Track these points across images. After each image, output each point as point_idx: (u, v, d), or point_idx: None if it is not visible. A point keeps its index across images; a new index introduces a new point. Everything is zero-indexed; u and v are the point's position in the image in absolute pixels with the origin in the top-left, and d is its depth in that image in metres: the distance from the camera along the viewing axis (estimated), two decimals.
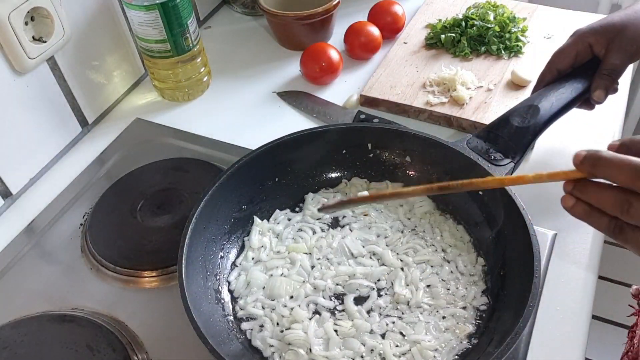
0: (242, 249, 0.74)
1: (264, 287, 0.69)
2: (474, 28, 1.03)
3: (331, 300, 0.68)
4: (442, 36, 1.04)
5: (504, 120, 0.72)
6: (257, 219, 0.76)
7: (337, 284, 0.69)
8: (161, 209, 0.80)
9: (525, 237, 0.62)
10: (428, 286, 0.68)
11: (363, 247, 0.73)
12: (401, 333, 0.64)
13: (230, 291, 0.70)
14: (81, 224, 0.80)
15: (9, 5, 0.74)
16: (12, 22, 0.75)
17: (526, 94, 0.91)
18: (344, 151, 0.80)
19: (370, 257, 0.72)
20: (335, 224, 0.77)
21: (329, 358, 0.62)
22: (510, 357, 0.62)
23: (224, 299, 0.68)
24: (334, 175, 0.81)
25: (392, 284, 0.69)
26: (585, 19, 1.07)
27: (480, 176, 0.67)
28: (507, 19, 1.04)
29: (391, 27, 1.09)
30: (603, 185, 0.45)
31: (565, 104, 0.72)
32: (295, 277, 0.70)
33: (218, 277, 0.70)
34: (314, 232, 0.75)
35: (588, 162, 0.45)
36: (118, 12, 0.95)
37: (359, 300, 0.68)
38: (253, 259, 0.73)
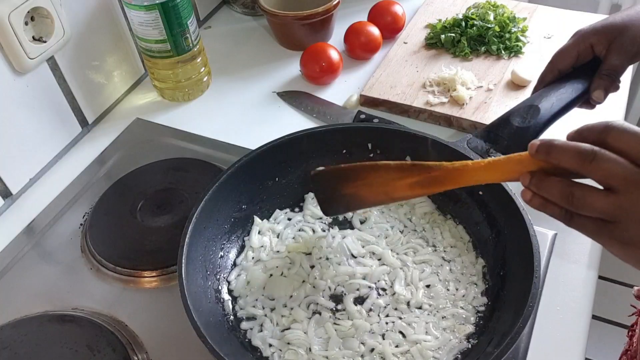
0: (242, 248, 0.74)
1: (264, 287, 0.69)
2: (474, 28, 1.03)
3: (331, 300, 0.68)
4: (442, 36, 1.04)
5: (504, 121, 0.72)
6: (257, 219, 0.76)
7: (337, 284, 0.69)
8: (161, 209, 0.80)
9: (525, 237, 0.62)
10: (428, 286, 0.68)
11: (363, 247, 0.72)
12: (401, 333, 0.64)
13: (230, 291, 0.70)
14: (81, 224, 0.80)
15: (9, 5, 0.74)
16: (12, 22, 0.75)
17: (526, 94, 0.91)
18: (344, 151, 0.80)
19: (370, 257, 0.72)
20: (335, 223, 0.77)
21: (329, 358, 0.62)
22: (510, 357, 0.62)
23: (223, 299, 0.68)
24: None
25: (391, 283, 0.69)
26: (585, 19, 1.07)
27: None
28: (507, 19, 1.04)
29: (391, 27, 1.09)
30: (552, 179, 0.49)
31: (566, 104, 0.72)
32: (295, 276, 0.70)
33: (218, 277, 0.70)
34: (314, 232, 0.75)
35: (542, 150, 0.49)
36: (118, 12, 0.95)
37: (359, 300, 0.68)
38: (253, 258, 0.73)
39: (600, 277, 0.72)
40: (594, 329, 0.74)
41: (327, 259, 0.72)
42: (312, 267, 0.71)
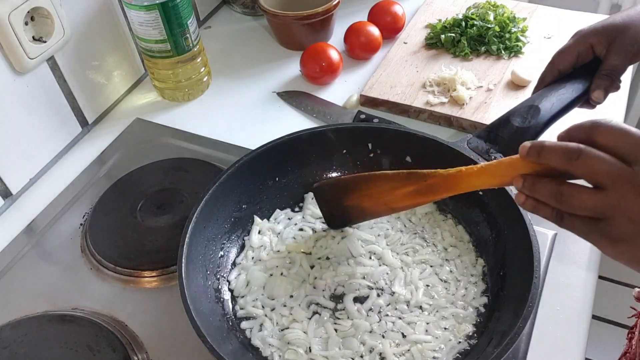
0: (242, 248, 0.74)
1: (263, 287, 0.69)
2: (474, 28, 1.03)
3: (331, 299, 0.68)
4: (442, 36, 1.04)
5: (504, 121, 0.72)
6: (257, 219, 0.76)
7: (337, 284, 0.69)
8: (161, 209, 0.80)
9: (525, 237, 0.62)
10: (428, 286, 0.68)
11: (363, 247, 0.72)
12: (401, 333, 0.64)
13: (230, 290, 0.70)
14: (81, 224, 0.80)
15: (9, 5, 0.74)
16: (12, 22, 0.75)
17: (526, 94, 0.91)
18: (344, 151, 0.80)
19: (370, 257, 0.72)
20: None
21: (329, 357, 0.62)
22: (510, 357, 0.62)
23: (223, 298, 0.68)
24: (334, 175, 0.81)
25: (391, 283, 0.69)
26: (585, 19, 1.07)
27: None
28: (507, 19, 1.04)
29: (391, 27, 1.09)
30: (543, 180, 0.49)
31: (566, 104, 0.72)
32: (295, 276, 0.70)
33: (218, 277, 0.70)
34: (314, 232, 0.75)
35: (533, 152, 0.49)
36: (118, 12, 0.95)
37: (359, 300, 0.68)
38: (253, 258, 0.73)
39: (600, 277, 0.72)
40: (594, 329, 0.74)
41: (327, 258, 0.72)
42: (312, 267, 0.71)
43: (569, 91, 0.73)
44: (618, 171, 0.45)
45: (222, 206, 0.72)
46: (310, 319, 0.65)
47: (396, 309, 0.66)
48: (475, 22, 1.04)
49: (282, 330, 0.65)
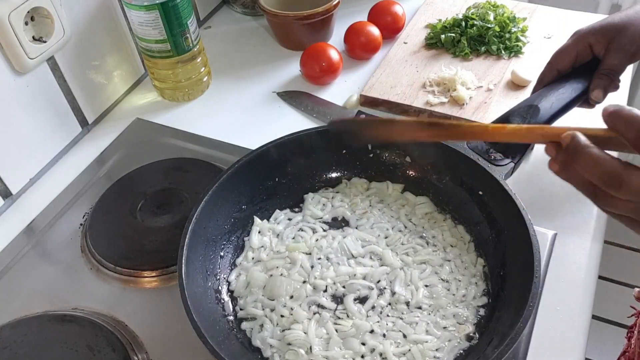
0: (242, 249, 0.74)
1: (264, 287, 0.69)
2: (474, 28, 1.03)
3: (331, 300, 0.68)
4: (442, 36, 1.04)
5: (503, 121, 0.72)
6: (257, 219, 0.76)
7: (338, 284, 0.69)
8: (161, 209, 0.80)
9: (525, 237, 0.62)
10: (428, 286, 0.68)
11: (363, 247, 0.72)
12: (402, 333, 0.64)
13: (230, 291, 0.70)
14: (81, 224, 0.80)
15: (9, 5, 0.74)
16: (12, 22, 0.75)
17: (526, 94, 0.91)
18: (344, 151, 0.80)
19: (370, 257, 0.72)
20: (335, 224, 0.77)
21: (329, 358, 0.62)
22: (510, 357, 0.62)
23: (224, 299, 0.68)
24: (334, 175, 0.81)
25: (392, 284, 0.69)
26: (585, 19, 1.07)
27: (481, 177, 0.68)
28: (507, 19, 1.04)
29: (391, 27, 1.09)
30: (598, 156, 0.46)
31: (565, 104, 0.72)
32: (295, 277, 0.70)
33: (218, 277, 0.70)
34: (314, 232, 0.75)
35: (614, 115, 0.46)
36: (118, 12, 0.95)
37: (359, 300, 0.68)
38: (253, 259, 0.73)
39: (600, 277, 0.72)
40: (594, 329, 0.74)
41: (328, 259, 0.72)
42: (312, 267, 0.71)
43: (568, 91, 0.73)
44: None
45: (222, 207, 0.72)
46: (310, 319, 0.65)
47: (396, 309, 0.66)
48: (475, 22, 1.04)
49: (282, 330, 0.65)
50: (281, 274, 0.70)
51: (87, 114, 0.95)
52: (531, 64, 0.98)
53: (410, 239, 0.73)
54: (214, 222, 0.71)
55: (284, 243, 0.74)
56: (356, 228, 0.75)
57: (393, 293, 0.68)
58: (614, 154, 0.47)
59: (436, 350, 0.62)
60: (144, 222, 0.79)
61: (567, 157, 0.47)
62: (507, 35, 1.02)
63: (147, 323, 0.69)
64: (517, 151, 0.70)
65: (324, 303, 0.67)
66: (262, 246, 0.74)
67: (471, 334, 0.64)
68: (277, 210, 0.78)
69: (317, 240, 0.74)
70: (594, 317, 0.66)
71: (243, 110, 0.99)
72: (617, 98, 0.91)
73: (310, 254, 0.72)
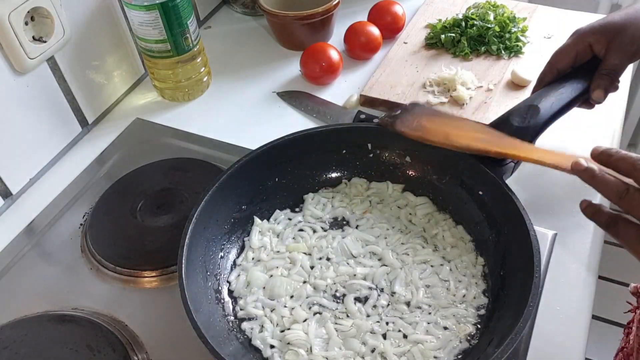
0: (242, 249, 0.74)
1: (264, 287, 0.69)
2: (474, 28, 1.03)
3: (331, 300, 0.68)
4: (442, 36, 1.04)
5: (503, 120, 0.72)
6: (257, 219, 0.76)
7: (338, 284, 0.69)
8: (161, 209, 0.80)
9: (525, 237, 0.62)
10: (428, 286, 0.68)
11: (363, 247, 0.72)
12: (402, 333, 0.64)
13: (231, 291, 0.70)
14: (81, 224, 0.80)
15: (9, 5, 0.74)
16: (12, 22, 0.75)
17: (526, 94, 0.91)
18: (344, 151, 0.80)
19: (370, 258, 0.72)
20: (335, 224, 0.77)
21: (329, 358, 0.62)
22: (510, 357, 0.61)
23: (224, 299, 0.68)
24: (334, 175, 0.81)
25: (392, 284, 0.68)
26: (585, 19, 1.07)
27: (481, 177, 0.68)
28: (507, 19, 1.04)
29: (391, 27, 1.09)
30: (609, 175, 0.54)
31: (565, 103, 0.72)
32: (295, 277, 0.70)
33: (218, 277, 0.70)
34: (315, 232, 0.75)
35: (605, 154, 0.55)
36: (118, 12, 0.95)
37: (360, 300, 0.67)
38: (253, 259, 0.73)
39: (600, 277, 0.72)
40: (594, 329, 0.74)
41: (328, 259, 0.72)
42: (312, 267, 0.71)
43: (568, 91, 0.73)
44: None
45: (221, 207, 0.72)
46: (311, 319, 0.65)
47: (396, 309, 0.66)
48: (475, 22, 1.04)
49: (282, 331, 0.65)
50: (281, 274, 0.70)
51: (87, 114, 0.95)
52: (531, 64, 0.98)
53: (410, 239, 0.73)
54: (214, 222, 0.71)
55: (284, 243, 0.74)
56: (356, 228, 0.75)
57: (393, 293, 0.67)
58: None
59: (436, 350, 0.62)
60: (144, 222, 0.79)
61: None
62: (507, 35, 1.02)
63: (147, 323, 0.69)
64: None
65: (324, 303, 0.67)
66: (262, 246, 0.74)
67: (471, 334, 0.64)
68: (277, 211, 0.78)
69: (317, 240, 0.74)
70: (594, 317, 0.66)
71: (243, 110, 0.99)
72: (618, 98, 0.91)
73: (310, 254, 0.72)
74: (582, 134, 0.88)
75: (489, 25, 1.02)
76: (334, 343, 0.63)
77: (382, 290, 0.68)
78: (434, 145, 0.74)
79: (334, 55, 1.00)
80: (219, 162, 0.86)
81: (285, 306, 0.67)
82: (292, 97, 1.00)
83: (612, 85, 0.73)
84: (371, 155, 0.80)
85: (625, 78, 0.97)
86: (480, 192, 0.72)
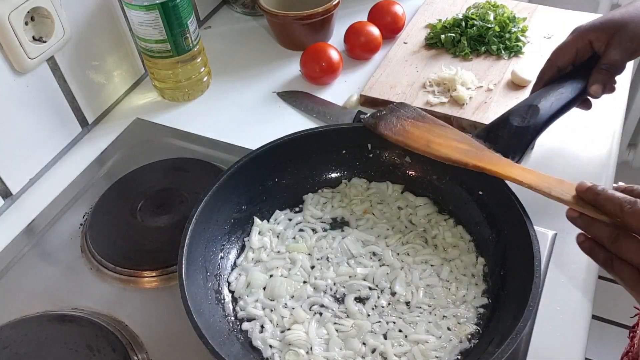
0: (242, 249, 0.74)
1: (264, 288, 0.69)
2: (474, 28, 1.03)
3: (332, 300, 0.68)
4: (442, 36, 1.04)
5: (503, 120, 0.72)
6: (257, 220, 0.76)
7: (338, 284, 0.69)
8: (161, 209, 0.80)
9: (525, 237, 0.62)
10: (428, 286, 0.68)
11: (363, 247, 0.72)
12: (402, 333, 0.64)
13: (231, 292, 0.70)
14: (81, 224, 0.80)
15: (9, 5, 0.74)
16: (12, 22, 0.75)
17: (526, 94, 0.91)
18: (344, 151, 0.80)
19: (371, 258, 0.72)
20: (335, 224, 0.77)
21: (330, 358, 0.62)
22: (511, 357, 0.61)
23: (224, 300, 0.68)
24: (333, 175, 0.81)
25: (392, 284, 0.68)
26: (585, 19, 1.06)
27: (481, 177, 0.68)
28: (507, 19, 1.04)
29: (391, 27, 1.09)
30: (600, 222, 0.55)
31: (565, 103, 0.72)
32: (295, 277, 0.70)
33: (218, 278, 0.70)
34: (315, 232, 0.75)
35: (590, 192, 0.55)
36: (118, 12, 0.95)
37: (360, 301, 0.67)
38: (253, 259, 0.72)
39: (600, 277, 0.72)
40: (594, 329, 0.74)
41: (328, 259, 0.72)
42: (313, 267, 0.71)
43: (568, 90, 0.73)
44: None
45: (221, 207, 0.72)
46: (311, 320, 0.65)
47: (397, 309, 0.66)
48: (475, 22, 1.04)
49: (282, 331, 0.65)
50: (281, 275, 0.70)
51: (87, 114, 0.95)
52: (531, 64, 0.98)
53: (411, 239, 0.73)
54: (214, 223, 0.71)
55: (284, 243, 0.74)
56: (356, 228, 0.75)
57: (393, 293, 0.67)
58: None
59: (437, 350, 0.62)
60: (144, 222, 0.79)
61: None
62: (507, 35, 1.02)
63: (147, 323, 0.69)
64: (517, 151, 0.70)
65: (325, 303, 0.67)
66: (262, 246, 0.74)
67: (471, 334, 0.64)
68: (277, 211, 0.78)
69: (317, 240, 0.74)
70: (594, 317, 0.66)
71: (243, 110, 0.99)
72: (618, 98, 0.91)
73: (310, 254, 0.72)
74: (582, 134, 0.88)
75: (489, 25, 1.02)
76: (334, 343, 0.63)
77: (382, 290, 0.68)
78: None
79: (334, 55, 1.00)
80: (219, 162, 0.86)
81: (285, 306, 0.67)
82: (292, 97, 1.00)
83: (611, 81, 0.73)
84: (371, 155, 0.80)
85: (625, 78, 0.97)
86: (480, 192, 0.72)
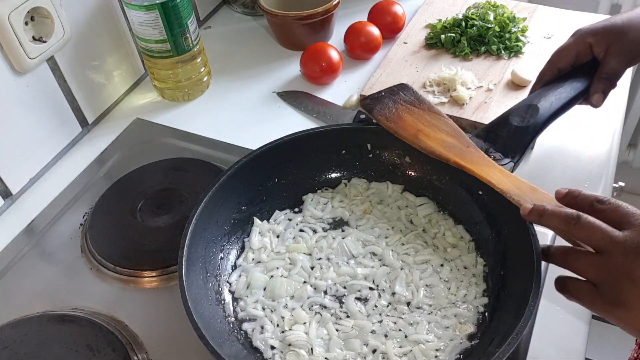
0: (242, 250, 0.74)
1: (264, 288, 0.69)
2: (474, 28, 1.03)
3: (332, 300, 0.68)
4: (442, 36, 1.04)
5: (503, 120, 0.72)
6: (257, 220, 0.75)
7: (338, 285, 0.69)
8: (161, 209, 0.80)
9: (525, 236, 0.62)
10: (428, 286, 0.68)
11: (363, 247, 0.72)
12: (403, 333, 0.64)
13: (231, 292, 0.70)
14: (81, 224, 0.80)
15: (9, 5, 0.74)
16: (12, 22, 0.75)
17: (526, 94, 0.91)
18: (344, 151, 0.80)
19: (371, 258, 0.72)
20: (335, 224, 0.77)
21: (330, 359, 0.62)
22: (511, 357, 0.61)
23: (224, 300, 0.68)
24: (333, 175, 0.81)
25: (392, 284, 0.68)
26: (585, 19, 1.07)
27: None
28: (507, 19, 1.04)
29: (391, 27, 1.09)
30: (554, 247, 0.58)
31: (564, 103, 0.72)
32: (295, 277, 0.70)
33: (218, 278, 0.70)
34: (315, 232, 0.75)
35: (534, 213, 0.57)
36: (118, 12, 0.95)
37: (360, 301, 0.67)
38: (253, 259, 0.72)
39: None
40: (594, 329, 0.74)
41: (328, 259, 0.72)
42: (313, 268, 0.71)
43: (568, 90, 0.73)
44: (609, 234, 0.50)
45: (221, 208, 0.72)
46: (311, 320, 0.65)
47: (397, 309, 0.66)
48: (475, 22, 1.04)
49: (283, 331, 0.65)
50: (281, 275, 0.70)
51: (87, 114, 0.95)
52: (531, 64, 0.98)
53: (411, 239, 0.73)
54: (214, 223, 0.71)
55: (284, 244, 0.74)
56: (356, 228, 0.75)
57: (394, 293, 0.67)
58: None
59: (437, 350, 0.62)
60: (144, 222, 0.79)
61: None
62: (507, 35, 1.02)
63: (147, 323, 0.69)
64: (517, 150, 0.70)
65: (325, 303, 0.67)
66: (262, 247, 0.74)
67: (472, 334, 0.64)
68: (277, 211, 0.78)
69: (317, 240, 0.74)
70: (594, 317, 0.66)
71: (243, 110, 0.99)
72: (618, 98, 0.91)
73: (310, 254, 0.72)
74: (582, 133, 0.88)
75: (489, 25, 1.02)
76: (334, 344, 0.63)
77: (382, 290, 0.68)
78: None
79: (334, 55, 1.00)
80: (219, 162, 0.86)
81: (285, 307, 0.67)
82: (292, 97, 0.99)
83: (611, 89, 0.74)
84: (371, 155, 0.80)
85: (625, 78, 0.97)
86: (480, 192, 0.72)
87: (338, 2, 1.05)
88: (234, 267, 0.72)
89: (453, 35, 1.03)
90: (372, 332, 0.64)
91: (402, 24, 1.10)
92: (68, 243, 0.78)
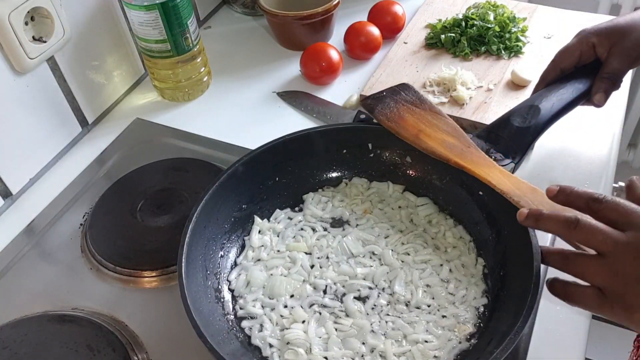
0: (242, 248, 0.74)
1: (264, 287, 0.69)
2: (474, 28, 1.03)
3: (331, 299, 0.68)
4: (442, 36, 1.04)
5: (504, 121, 0.72)
6: (257, 219, 0.76)
7: (337, 284, 0.69)
8: (161, 209, 0.80)
9: (525, 237, 0.62)
10: (428, 286, 0.68)
11: (363, 246, 0.72)
12: (402, 333, 0.64)
13: (231, 290, 0.70)
14: (81, 224, 0.80)
15: (9, 5, 0.75)
16: (12, 22, 0.75)
17: (526, 94, 0.91)
18: (344, 151, 0.80)
19: (370, 257, 0.72)
20: (335, 223, 0.77)
21: (329, 358, 0.62)
22: (510, 357, 0.61)
23: (224, 298, 0.68)
24: (334, 175, 0.81)
25: (391, 283, 0.68)
26: (585, 19, 1.07)
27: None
28: (507, 19, 1.04)
29: (391, 27, 1.09)
30: (552, 249, 0.57)
31: (566, 104, 0.72)
32: (295, 276, 0.70)
33: (218, 277, 0.70)
34: (315, 231, 0.75)
35: (531, 218, 0.55)
36: (118, 12, 0.95)
37: (360, 300, 0.67)
38: (253, 258, 0.73)
39: None
40: (594, 329, 0.74)
41: (328, 258, 0.72)
42: (312, 266, 0.71)
43: (569, 91, 0.73)
44: (612, 237, 0.49)
45: (222, 206, 0.72)
46: (310, 319, 0.65)
47: (396, 309, 0.66)
48: (475, 22, 1.04)
49: (282, 330, 0.65)
50: (281, 274, 0.70)
51: (87, 114, 0.95)
52: (531, 64, 0.98)
53: (411, 239, 0.73)
54: (214, 222, 0.71)
55: (284, 242, 0.74)
56: (356, 228, 0.75)
57: (393, 293, 0.67)
58: None
59: (436, 350, 0.62)
60: (144, 222, 0.79)
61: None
62: (507, 35, 1.02)
63: (147, 323, 0.69)
64: (517, 151, 0.70)
65: (324, 302, 0.67)
66: (263, 245, 0.74)
67: (471, 334, 0.64)
68: (278, 210, 0.78)
69: (317, 239, 0.74)
70: (594, 317, 0.66)
71: (243, 110, 0.99)
72: (618, 98, 0.91)
73: (310, 253, 0.72)
74: (582, 133, 0.88)
75: (489, 25, 1.02)
76: (333, 342, 0.63)
77: (382, 290, 0.68)
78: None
79: (334, 55, 1.00)
80: (219, 162, 0.86)
81: (285, 305, 0.67)
82: (292, 97, 1.00)
83: (613, 89, 0.73)
84: (372, 155, 0.80)
85: (626, 79, 0.97)
86: (481, 193, 0.72)
87: (338, 2, 1.05)
88: (234, 265, 0.72)
89: (453, 35, 1.03)
90: (371, 331, 0.64)
91: (402, 24, 1.10)
92: (68, 243, 0.78)
